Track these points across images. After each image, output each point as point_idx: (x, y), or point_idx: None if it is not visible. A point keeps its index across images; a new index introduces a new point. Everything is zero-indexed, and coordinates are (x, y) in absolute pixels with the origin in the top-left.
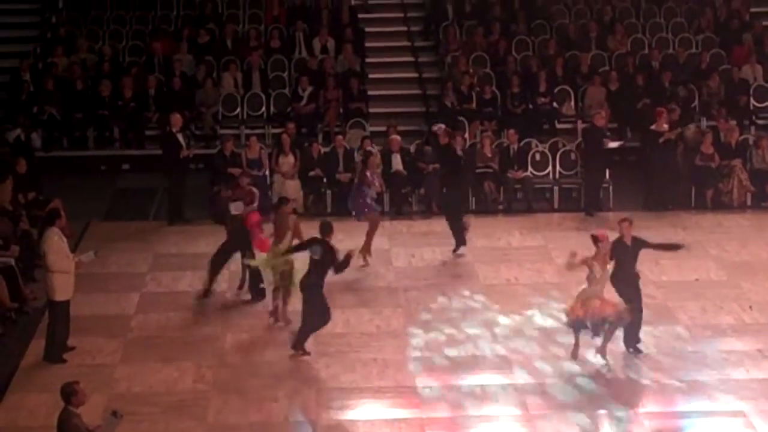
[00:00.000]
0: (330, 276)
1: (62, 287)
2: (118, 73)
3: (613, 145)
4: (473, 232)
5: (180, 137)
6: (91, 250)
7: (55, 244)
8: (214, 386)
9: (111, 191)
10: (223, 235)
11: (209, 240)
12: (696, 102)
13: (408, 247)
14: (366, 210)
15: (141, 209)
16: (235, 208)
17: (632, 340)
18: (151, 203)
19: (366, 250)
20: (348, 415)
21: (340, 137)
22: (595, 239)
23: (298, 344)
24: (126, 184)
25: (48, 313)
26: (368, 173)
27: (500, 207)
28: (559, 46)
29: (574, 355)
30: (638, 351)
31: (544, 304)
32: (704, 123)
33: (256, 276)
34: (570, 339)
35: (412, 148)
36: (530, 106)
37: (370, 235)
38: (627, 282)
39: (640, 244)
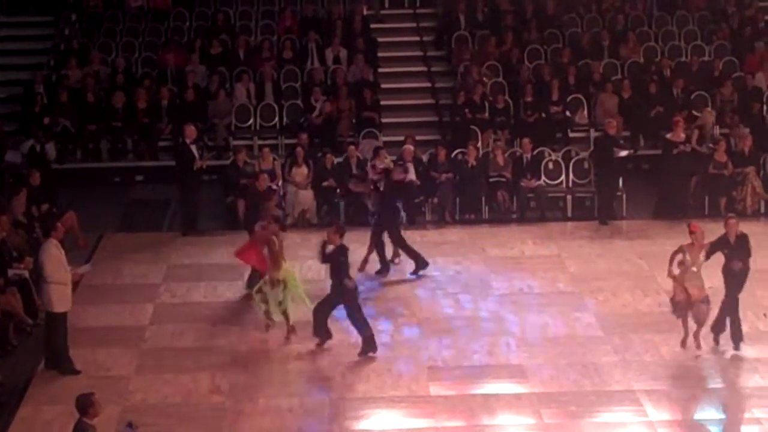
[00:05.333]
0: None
1: (60, 299)
2: (131, 85)
3: (622, 153)
4: (486, 241)
5: (193, 148)
6: (86, 263)
7: (53, 255)
8: (229, 396)
9: (125, 203)
10: (234, 245)
11: (223, 251)
12: (709, 109)
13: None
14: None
15: (155, 220)
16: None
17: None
18: (164, 214)
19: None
20: (362, 424)
21: (352, 147)
22: (690, 230)
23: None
24: (139, 195)
25: (45, 325)
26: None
27: (513, 216)
28: (571, 54)
29: (683, 344)
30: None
31: (557, 313)
32: (717, 130)
33: None
34: (578, 349)
35: (425, 158)
36: (543, 115)
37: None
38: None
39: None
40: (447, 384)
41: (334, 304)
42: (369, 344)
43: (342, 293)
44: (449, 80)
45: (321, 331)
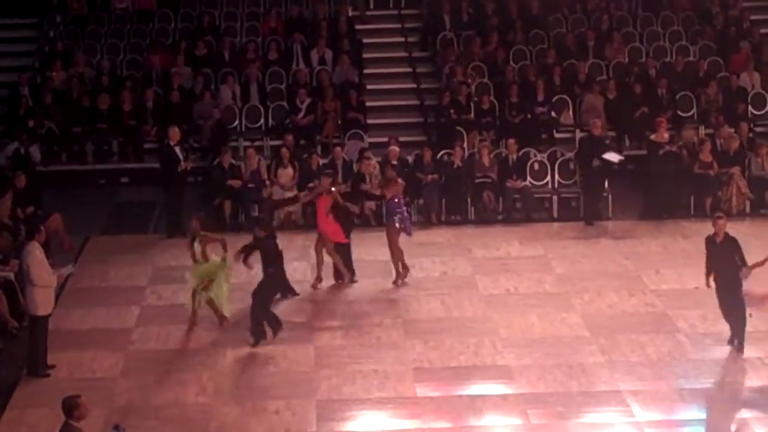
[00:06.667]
0: (331, 289)
1: (44, 302)
2: (116, 87)
3: (613, 158)
4: (472, 242)
5: (178, 150)
6: (69, 263)
7: (38, 258)
8: (215, 399)
9: (110, 205)
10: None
11: None
12: (694, 110)
13: (407, 257)
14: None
15: (140, 223)
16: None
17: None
18: (149, 216)
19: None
20: (349, 426)
21: (338, 149)
22: None
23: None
24: (125, 197)
25: (30, 329)
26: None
27: (499, 217)
28: (556, 55)
29: None
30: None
31: (544, 313)
32: (702, 131)
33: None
34: (564, 350)
35: (411, 159)
36: (528, 116)
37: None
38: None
39: (732, 243)
40: (433, 385)
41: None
42: (256, 336)
43: (265, 281)
44: (434, 81)
45: (273, 323)
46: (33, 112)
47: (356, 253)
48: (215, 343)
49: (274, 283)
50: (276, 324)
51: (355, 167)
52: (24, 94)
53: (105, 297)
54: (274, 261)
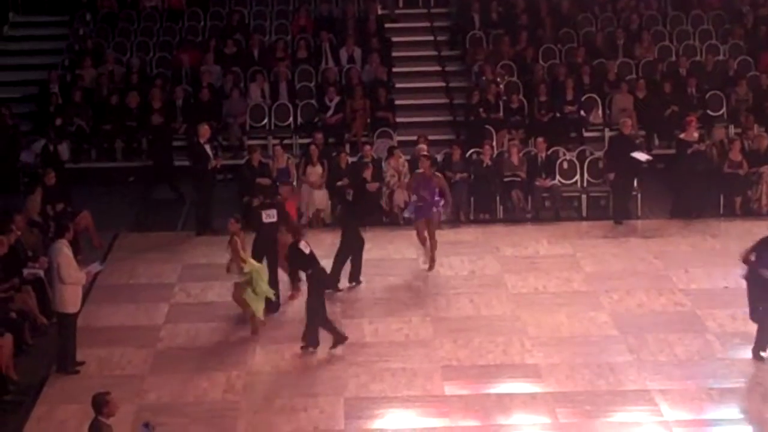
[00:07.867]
0: (358, 287)
1: (73, 299)
2: (145, 85)
3: (641, 157)
4: (501, 240)
5: (208, 148)
6: (97, 260)
7: (68, 256)
8: (243, 396)
9: (139, 202)
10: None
11: None
12: (724, 109)
13: (436, 255)
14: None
15: (169, 220)
16: (267, 216)
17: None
18: (179, 214)
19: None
20: (377, 424)
21: (367, 147)
22: None
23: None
24: (154, 194)
25: (59, 326)
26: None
27: (528, 216)
28: (586, 54)
29: None
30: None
31: (572, 312)
32: (732, 130)
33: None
34: (593, 348)
35: (440, 158)
36: (557, 115)
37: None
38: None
39: None
40: (462, 383)
41: (319, 296)
42: (310, 339)
43: (312, 284)
44: (464, 80)
45: (334, 331)
46: (62, 109)
47: (386, 251)
48: (244, 341)
49: (318, 286)
50: (340, 336)
51: (384, 165)
52: (54, 91)
53: (134, 294)
54: (309, 264)
